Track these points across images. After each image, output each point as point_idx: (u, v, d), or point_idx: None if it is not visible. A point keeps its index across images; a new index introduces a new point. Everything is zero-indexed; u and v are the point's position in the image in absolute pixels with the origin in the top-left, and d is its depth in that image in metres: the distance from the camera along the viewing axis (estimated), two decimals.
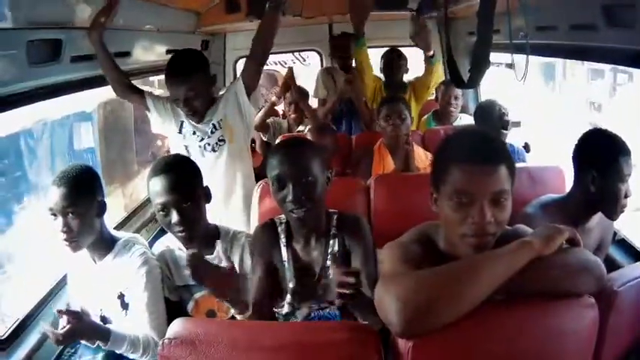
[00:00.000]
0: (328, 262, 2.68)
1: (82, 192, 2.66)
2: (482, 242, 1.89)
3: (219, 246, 2.86)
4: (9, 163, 6.33)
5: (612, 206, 2.87)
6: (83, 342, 2.74)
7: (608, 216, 2.94)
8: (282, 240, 2.74)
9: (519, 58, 2.82)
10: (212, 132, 3.68)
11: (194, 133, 3.72)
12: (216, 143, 3.71)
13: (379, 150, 4.42)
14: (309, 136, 4.28)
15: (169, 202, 2.63)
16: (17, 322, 2.96)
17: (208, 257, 2.76)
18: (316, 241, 2.71)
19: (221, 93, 3.82)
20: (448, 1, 3.69)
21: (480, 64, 2.88)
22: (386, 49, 5.87)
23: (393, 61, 5.75)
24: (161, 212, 2.66)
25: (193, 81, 3.48)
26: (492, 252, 1.82)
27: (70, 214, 2.60)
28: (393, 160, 4.30)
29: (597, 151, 2.87)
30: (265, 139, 5.67)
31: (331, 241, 2.70)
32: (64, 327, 2.52)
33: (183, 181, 2.69)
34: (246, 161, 3.91)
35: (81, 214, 2.62)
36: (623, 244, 3.58)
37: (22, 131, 6.30)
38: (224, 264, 2.64)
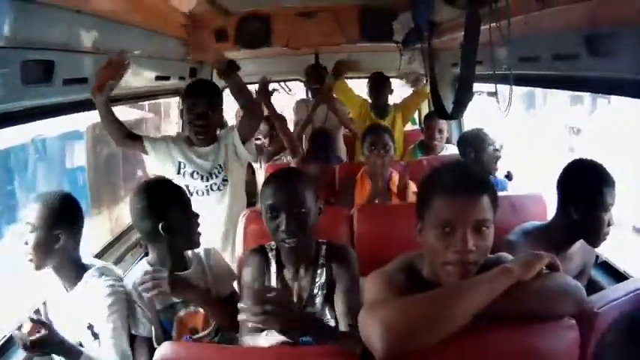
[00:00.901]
0: (316, 291, 2.74)
1: (58, 218, 2.74)
2: (464, 270, 1.95)
3: (192, 266, 2.99)
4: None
5: (595, 235, 2.95)
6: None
7: (591, 244, 3.03)
8: (273, 266, 2.80)
9: (502, 88, 2.87)
10: (217, 173, 3.89)
11: (196, 173, 3.89)
12: (222, 183, 3.91)
13: (361, 178, 4.49)
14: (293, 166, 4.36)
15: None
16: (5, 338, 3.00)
17: (183, 274, 2.90)
18: (305, 269, 2.77)
19: (219, 133, 3.96)
20: (432, 33, 3.76)
21: (462, 97, 2.94)
22: None
23: (378, 83, 5.97)
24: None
25: (212, 98, 3.80)
26: (474, 278, 1.90)
27: (40, 233, 2.70)
28: (373, 188, 4.37)
29: (581, 182, 2.94)
30: None
31: (319, 270, 2.76)
32: (35, 334, 2.56)
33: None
34: (243, 196, 4.17)
35: (50, 235, 2.71)
36: (605, 266, 3.65)
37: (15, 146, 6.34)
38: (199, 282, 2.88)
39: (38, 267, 2.78)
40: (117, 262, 4.12)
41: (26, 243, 2.73)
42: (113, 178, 7.42)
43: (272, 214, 2.64)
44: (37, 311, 2.86)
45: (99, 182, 7.24)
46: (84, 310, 2.80)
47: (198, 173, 3.88)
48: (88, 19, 3.03)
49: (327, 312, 2.74)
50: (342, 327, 2.64)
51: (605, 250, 3.48)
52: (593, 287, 3.27)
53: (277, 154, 5.82)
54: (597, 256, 3.56)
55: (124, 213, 6.79)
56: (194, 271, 2.96)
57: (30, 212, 2.73)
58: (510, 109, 2.77)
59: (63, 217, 2.74)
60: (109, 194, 7.26)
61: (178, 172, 3.89)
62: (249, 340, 2.64)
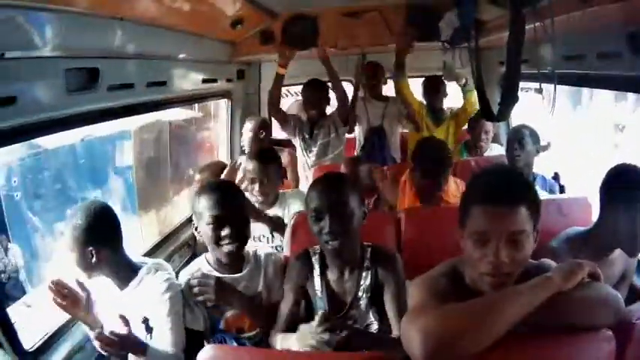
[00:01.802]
0: (360, 294, 2.77)
1: (97, 229, 2.79)
2: (499, 281, 1.96)
3: (248, 267, 3.01)
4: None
5: (634, 242, 2.89)
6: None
7: (629, 253, 2.99)
8: (317, 270, 2.84)
9: (549, 87, 2.82)
10: None
11: None
12: None
13: (404, 185, 4.39)
14: (342, 168, 4.38)
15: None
16: (48, 335, 3.08)
17: (237, 276, 2.97)
18: (350, 272, 2.80)
19: None
20: (478, 32, 3.71)
21: (508, 98, 2.89)
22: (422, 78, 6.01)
23: (433, 87, 5.92)
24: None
25: (271, 168, 4.10)
26: (514, 288, 1.89)
27: (89, 248, 2.75)
28: (421, 199, 4.19)
29: (621, 187, 2.88)
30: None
31: (364, 274, 2.79)
32: (117, 334, 2.66)
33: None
34: None
35: (95, 250, 2.77)
36: None
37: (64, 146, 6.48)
38: (254, 284, 2.96)
39: (88, 276, 2.87)
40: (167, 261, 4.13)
41: (78, 261, 2.81)
42: (161, 179, 7.50)
43: (316, 217, 2.68)
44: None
45: (147, 183, 7.33)
46: (139, 306, 2.86)
47: None
48: (132, 26, 3.06)
49: (370, 315, 2.77)
50: (395, 329, 2.67)
51: None
52: (634, 293, 3.27)
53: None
54: (639, 262, 3.47)
55: (171, 214, 6.88)
56: (248, 272, 3.01)
57: (63, 231, 2.82)
58: (556, 107, 2.72)
59: (92, 234, 2.78)
60: (157, 195, 7.34)
61: None
62: (282, 341, 2.71)
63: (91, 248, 2.76)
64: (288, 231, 3.66)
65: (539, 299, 1.81)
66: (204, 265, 3.02)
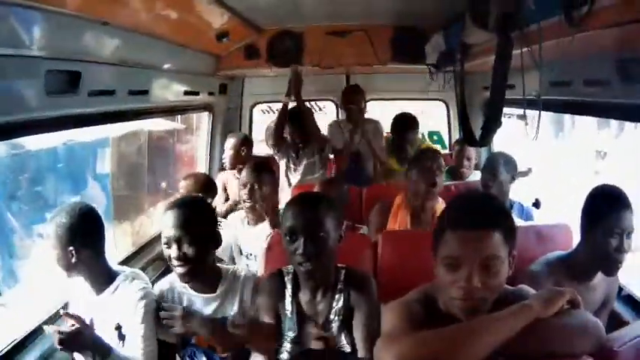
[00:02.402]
0: (332, 316, 2.73)
1: (81, 231, 2.80)
2: (470, 305, 1.92)
3: (222, 287, 2.97)
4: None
5: (612, 262, 2.90)
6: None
7: (607, 273, 2.98)
8: (289, 290, 2.80)
9: (533, 113, 2.83)
10: None
11: None
12: None
13: (399, 206, 4.23)
14: (317, 188, 4.31)
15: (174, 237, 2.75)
16: (15, 342, 3.04)
17: (210, 296, 2.93)
18: (322, 294, 2.76)
19: None
20: (464, 56, 3.72)
21: (491, 124, 2.89)
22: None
23: (402, 126, 5.73)
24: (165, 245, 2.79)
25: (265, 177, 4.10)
26: (492, 315, 1.86)
27: (70, 249, 2.76)
28: (415, 216, 4.12)
29: (600, 208, 2.91)
30: None
31: (337, 296, 2.75)
32: (71, 328, 2.66)
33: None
34: None
35: (78, 251, 2.78)
36: (629, 299, 3.58)
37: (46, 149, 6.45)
38: (227, 305, 2.92)
39: (67, 276, 2.87)
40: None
41: (57, 260, 2.82)
42: (138, 189, 7.47)
43: (290, 237, 2.63)
44: (65, 306, 2.99)
45: (123, 192, 7.30)
46: (114, 312, 2.87)
47: None
48: (117, 31, 3.04)
49: (343, 337, 2.73)
50: (361, 354, 2.63)
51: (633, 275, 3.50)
52: (615, 320, 3.27)
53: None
54: (621, 289, 3.52)
55: (147, 225, 6.82)
56: (222, 292, 2.97)
57: (46, 228, 2.82)
58: (539, 134, 2.72)
59: (75, 234, 2.78)
60: (133, 205, 7.30)
61: None
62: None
63: (71, 248, 2.76)
64: (263, 250, 3.61)
65: (517, 326, 1.79)
66: (177, 280, 2.96)
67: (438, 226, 2.03)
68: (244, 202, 4.05)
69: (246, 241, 4.03)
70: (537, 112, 2.63)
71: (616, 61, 2.57)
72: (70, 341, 2.66)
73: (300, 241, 2.59)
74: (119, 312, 2.86)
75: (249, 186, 4.00)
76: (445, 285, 1.95)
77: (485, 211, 1.98)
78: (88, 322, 2.84)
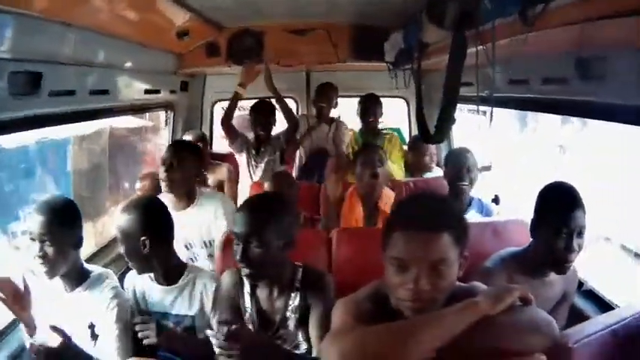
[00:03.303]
0: (288, 314, 2.77)
1: (61, 223, 2.81)
2: (419, 307, 1.88)
3: (180, 281, 3.08)
4: None
5: (561, 260, 2.86)
6: None
7: (557, 271, 2.95)
8: (247, 287, 2.84)
9: (496, 110, 2.85)
10: None
11: None
12: None
13: (350, 198, 4.40)
14: (266, 185, 4.38)
15: None
16: None
17: (171, 287, 3.05)
18: (279, 292, 2.79)
19: None
20: (422, 54, 3.76)
21: (445, 121, 2.91)
22: None
23: (370, 106, 5.85)
24: None
25: (186, 156, 3.92)
26: (437, 312, 1.85)
27: (47, 242, 2.75)
28: (364, 210, 4.29)
29: (553, 205, 2.89)
30: None
31: (293, 294, 2.78)
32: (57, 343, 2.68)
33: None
34: None
35: (57, 243, 2.77)
36: (590, 294, 3.58)
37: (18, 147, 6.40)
38: (185, 297, 3.01)
39: (53, 275, 2.87)
40: None
41: (41, 256, 2.79)
42: (99, 188, 7.41)
43: (236, 241, 2.66)
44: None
45: (84, 191, 7.24)
46: (86, 311, 2.90)
47: None
48: (78, 31, 3.03)
49: (299, 335, 2.77)
50: (316, 352, 2.68)
51: (593, 270, 3.52)
52: (576, 316, 3.26)
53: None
54: (582, 284, 3.52)
55: (108, 224, 6.78)
56: (183, 284, 3.08)
57: (33, 223, 2.80)
58: (502, 128, 2.76)
59: (69, 224, 2.86)
60: (94, 204, 7.25)
61: None
62: None
63: (78, 232, 2.86)
64: (218, 248, 3.64)
65: (463, 324, 1.78)
66: (144, 275, 3.09)
67: (387, 225, 2.00)
68: (162, 181, 3.92)
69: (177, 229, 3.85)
70: (497, 108, 2.66)
71: (573, 59, 2.59)
72: (53, 355, 2.68)
73: (240, 248, 2.61)
74: (91, 311, 2.90)
75: (167, 163, 3.86)
76: (393, 285, 1.93)
77: (436, 212, 1.96)
78: (56, 319, 2.86)
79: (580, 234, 2.83)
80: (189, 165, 3.90)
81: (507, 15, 2.38)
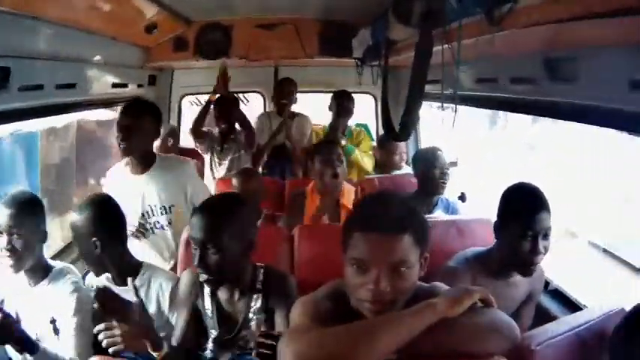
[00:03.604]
0: (251, 315, 2.75)
1: (28, 216, 2.84)
2: (379, 308, 1.86)
3: (136, 281, 3.04)
4: None
5: (526, 263, 2.83)
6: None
7: (521, 273, 2.90)
8: (207, 289, 2.80)
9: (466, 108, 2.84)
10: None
11: None
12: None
13: (311, 193, 4.37)
14: (234, 181, 4.34)
15: None
16: None
17: (122, 288, 3.00)
18: (240, 293, 2.77)
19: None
20: (389, 52, 3.79)
21: (409, 118, 2.94)
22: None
23: (343, 103, 5.80)
24: None
25: (140, 116, 3.65)
26: (395, 313, 1.82)
27: (15, 235, 2.76)
28: (322, 206, 4.23)
29: (517, 207, 2.84)
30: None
31: (255, 295, 2.76)
32: None
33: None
34: None
35: (25, 236, 2.79)
36: (557, 294, 3.55)
37: None
38: (141, 296, 2.96)
39: (20, 269, 2.88)
40: None
41: (9, 249, 2.80)
42: (66, 183, 7.35)
43: (193, 246, 2.62)
44: (2, 302, 2.97)
45: (52, 186, 7.18)
46: (49, 305, 2.89)
47: None
48: (46, 25, 3.03)
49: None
50: None
51: (560, 266, 3.47)
52: (543, 315, 3.26)
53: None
54: (548, 283, 3.50)
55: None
56: (139, 284, 3.06)
57: (1, 216, 2.81)
58: (473, 126, 2.79)
59: (36, 217, 2.90)
60: (62, 199, 7.19)
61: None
62: None
63: (43, 226, 2.90)
64: (181, 247, 3.57)
65: (421, 325, 1.75)
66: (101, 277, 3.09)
67: (347, 225, 1.98)
68: (118, 145, 3.69)
69: (133, 194, 3.78)
70: (465, 106, 2.67)
71: (542, 60, 2.60)
72: None
73: (197, 253, 2.58)
74: (53, 305, 2.89)
75: (122, 125, 3.63)
76: (353, 286, 1.90)
77: (396, 214, 1.92)
78: (22, 314, 2.88)
79: (546, 236, 2.79)
80: (145, 127, 3.72)
81: (473, 14, 2.40)
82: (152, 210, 3.87)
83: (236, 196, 3.04)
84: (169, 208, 3.88)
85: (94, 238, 2.90)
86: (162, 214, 3.87)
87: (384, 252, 1.84)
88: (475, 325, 1.82)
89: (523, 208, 2.82)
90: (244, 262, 2.74)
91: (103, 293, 2.86)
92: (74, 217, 2.96)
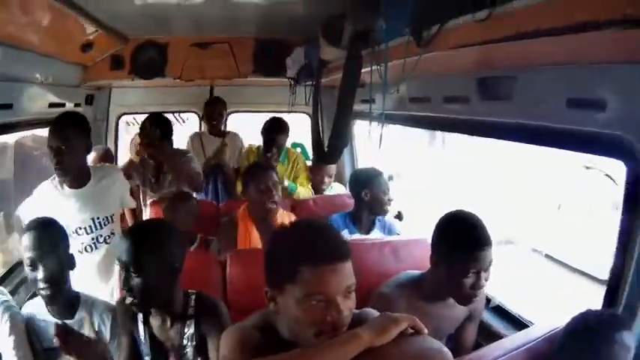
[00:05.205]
0: (185, 342, 2.76)
1: None
2: (337, 335, 1.81)
3: (80, 313, 3.01)
4: None
5: (465, 295, 2.77)
6: None
7: (460, 303, 2.85)
8: (139, 316, 2.80)
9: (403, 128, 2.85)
10: None
11: None
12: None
13: (243, 218, 4.26)
14: (164, 206, 4.34)
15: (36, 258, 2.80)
16: None
17: (69, 322, 2.92)
18: (172, 320, 2.78)
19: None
20: (321, 72, 3.86)
21: (337, 140, 2.98)
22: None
23: (275, 137, 5.59)
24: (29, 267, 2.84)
25: (71, 134, 3.59)
26: (323, 344, 1.79)
27: None
28: (260, 233, 4.14)
29: (458, 243, 2.71)
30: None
31: (188, 322, 2.77)
32: None
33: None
34: None
35: None
36: (499, 310, 3.53)
37: None
38: (85, 331, 2.84)
39: None
40: (12, 294, 3.79)
41: None
42: (4, 206, 7.23)
43: (119, 269, 2.68)
44: None
45: None
46: None
47: None
48: None
49: None
50: None
51: (504, 275, 3.47)
52: (486, 332, 3.29)
53: None
54: (490, 300, 3.51)
55: (17, 244, 6.63)
56: (80, 318, 3.01)
57: None
58: (414, 139, 2.82)
59: None
60: (2, 224, 7.07)
61: None
62: None
63: None
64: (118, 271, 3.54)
65: (348, 355, 1.73)
66: (42, 307, 3.03)
67: (285, 261, 1.89)
68: (55, 167, 3.69)
69: (69, 213, 3.77)
70: (404, 126, 2.71)
71: (475, 80, 2.65)
72: None
73: (122, 275, 2.62)
74: None
75: (54, 148, 3.60)
76: (306, 324, 1.83)
77: (340, 242, 1.92)
78: None
79: (487, 268, 2.72)
80: (77, 144, 3.67)
81: (400, 35, 2.49)
82: (96, 222, 3.88)
83: (161, 222, 3.10)
84: (111, 217, 3.92)
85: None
86: (105, 224, 3.89)
87: (341, 279, 1.82)
88: (403, 354, 1.80)
89: (466, 244, 2.70)
90: (172, 287, 2.73)
91: (62, 329, 2.79)
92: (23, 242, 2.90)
